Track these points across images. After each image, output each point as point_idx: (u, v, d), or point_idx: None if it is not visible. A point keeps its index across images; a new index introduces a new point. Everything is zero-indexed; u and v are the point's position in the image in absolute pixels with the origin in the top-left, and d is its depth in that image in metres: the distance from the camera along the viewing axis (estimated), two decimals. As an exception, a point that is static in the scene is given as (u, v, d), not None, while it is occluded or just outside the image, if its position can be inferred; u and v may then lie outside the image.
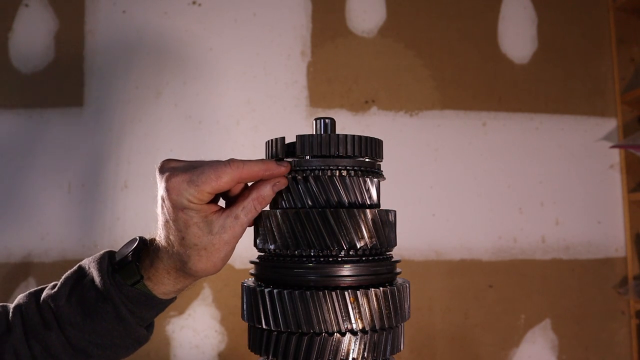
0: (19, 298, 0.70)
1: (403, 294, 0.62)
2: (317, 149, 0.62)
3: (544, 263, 2.19)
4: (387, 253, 0.65)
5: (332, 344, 0.57)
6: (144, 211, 2.03)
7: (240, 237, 0.65)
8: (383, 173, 0.68)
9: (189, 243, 0.63)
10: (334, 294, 0.57)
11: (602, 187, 2.25)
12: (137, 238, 0.70)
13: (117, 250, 0.71)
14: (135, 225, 2.03)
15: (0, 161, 2.03)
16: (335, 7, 2.19)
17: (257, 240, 0.65)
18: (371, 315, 0.58)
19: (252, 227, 0.67)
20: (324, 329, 0.57)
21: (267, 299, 0.59)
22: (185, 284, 0.69)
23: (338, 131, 0.65)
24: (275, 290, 0.59)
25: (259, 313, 0.60)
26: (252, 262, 0.66)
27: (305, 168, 0.63)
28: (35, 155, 2.04)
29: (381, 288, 0.59)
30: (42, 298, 0.69)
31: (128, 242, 0.71)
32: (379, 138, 0.66)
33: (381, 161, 0.67)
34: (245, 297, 0.63)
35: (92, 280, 0.68)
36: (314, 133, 0.65)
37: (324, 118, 0.66)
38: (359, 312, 0.57)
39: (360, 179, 0.64)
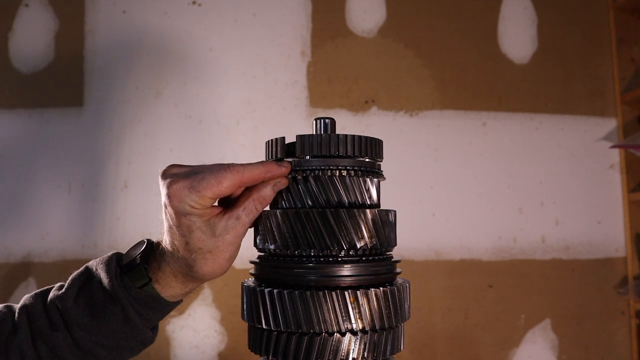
0: (25, 299, 0.70)
1: (403, 294, 0.62)
2: (317, 149, 0.62)
3: (544, 263, 2.19)
4: (387, 253, 0.65)
5: (332, 344, 0.57)
6: (144, 211, 2.03)
7: (244, 236, 0.65)
8: (383, 173, 0.68)
9: (193, 247, 0.63)
10: (334, 294, 0.57)
11: (602, 187, 2.25)
12: (145, 241, 0.70)
13: (124, 253, 0.71)
14: (135, 225, 2.03)
15: (0, 161, 2.03)
16: (335, 7, 2.18)
17: (257, 240, 0.65)
18: (371, 315, 0.58)
19: (252, 227, 0.67)
20: (324, 329, 0.57)
21: (267, 299, 0.59)
22: (193, 287, 0.69)
23: (338, 131, 0.65)
24: (275, 290, 0.59)
25: (259, 313, 0.60)
26: (252, 262, 0.66)
27: (305, 168, 0.63)
28: (35, 155, 2.04)
29: (381, 288, 0.59)
30: (49, 299, 0.69)
31: (136, 245, 0.71)
32: (379, 138, 0.66)
33: (381, 161, 0.67)
34: (245, 297, 0.63)
35: (100, 281, 0.68)
36: (314, 133, 0.65)
37: (324, 118, 0.66)
38: (359, 312, 0.57)
39: (360, 179, 0.63)
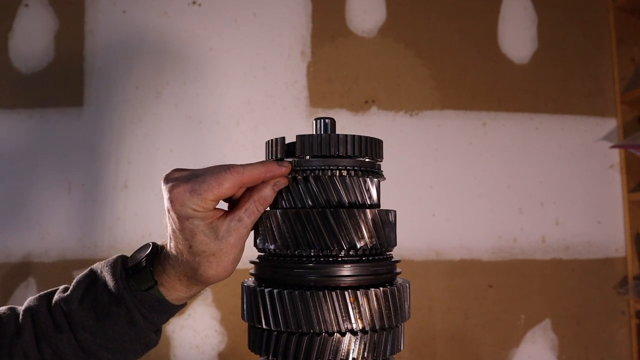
0: (29, 300, 0.70)
1: (403, 294, 0.62)
2: (317, 149, 0.62)
3: (544, 263, 2.19)
4: (387, 253, 0.65)
5: (332, 344, 0.57)
6: (144, 211, 2.03)
7: (246, 238, 0.65)
8: (383, 173, 0.68)
9: (196, 250, 0.63)
10: (334, 294, 0.57)
11: (602, 187, 2.25)
12: (151, 244, 0.70)
13: (129, 255, 0.71)
14: (135, 225, 2.03)
15: (0, 161, 2.03)
16: (335, 7, 2.18)
17: (257, 240, 0.65)
18: (371, 315, 0.58)
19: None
20: (324, 329, 0.57)
21: (267, 299, 0.59)
22: (197, 290, 0.69)
23: (338, 131, 0.65)
24: (275, 290, 0.59)
25: (259, 313, 0.60)
26: (252, 262, 0.66)
27: (306, 168, 0.63)
28: (35, 155, 2.04)
29: (381, 288, 0.59)
30: (53, 301, 0.69)
31: (141, 248, 0.71)
32: (379, 138, 0.66)
33: (381, 161, 0.67)
34: (245, 297, 0.63)
35: (105, 284, 0.68)
36: (314, 133, 0.65)
37: (324, 118, 0.66)
38: (359, 312, 0.57)
39: (360, 179, 0.63)
